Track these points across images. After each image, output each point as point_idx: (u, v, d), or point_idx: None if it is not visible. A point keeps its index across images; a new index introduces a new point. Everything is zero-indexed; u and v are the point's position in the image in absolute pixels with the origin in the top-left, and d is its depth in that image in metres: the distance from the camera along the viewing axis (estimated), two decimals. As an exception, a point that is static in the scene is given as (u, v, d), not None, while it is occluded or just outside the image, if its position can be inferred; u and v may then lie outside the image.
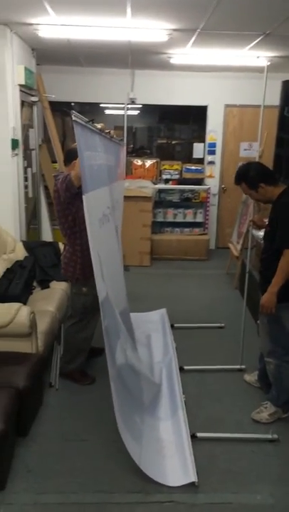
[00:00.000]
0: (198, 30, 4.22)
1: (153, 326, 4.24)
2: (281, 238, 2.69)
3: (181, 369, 3.47)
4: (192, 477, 2.39)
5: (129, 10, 3.59)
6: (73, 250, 3.07)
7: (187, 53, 5.24)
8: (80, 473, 2.45)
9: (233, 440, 2.75)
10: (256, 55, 5.29)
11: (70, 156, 2.99)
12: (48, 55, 5.51)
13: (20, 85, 4.64)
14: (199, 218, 6.80)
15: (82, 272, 3.07)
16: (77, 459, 2.55)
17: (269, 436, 2.75)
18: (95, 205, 2.59)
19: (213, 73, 6.52)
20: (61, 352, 3.48)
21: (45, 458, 2.54)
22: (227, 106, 6.79)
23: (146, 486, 2.36)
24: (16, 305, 3.00)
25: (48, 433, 2.75)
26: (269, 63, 5.56)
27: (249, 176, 2.84)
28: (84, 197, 2.32)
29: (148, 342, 3.92)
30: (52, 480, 2.39)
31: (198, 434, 2.74)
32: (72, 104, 7.06)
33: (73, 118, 2.20)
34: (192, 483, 2.36)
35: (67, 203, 2.91)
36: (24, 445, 2.62)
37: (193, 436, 2.71)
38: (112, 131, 3.34)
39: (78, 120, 2.26)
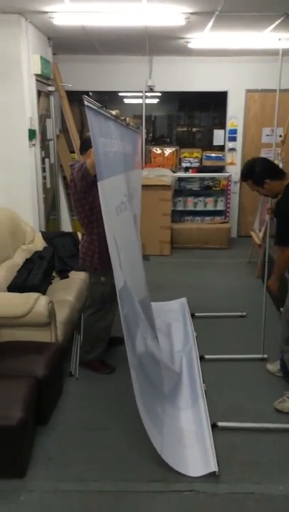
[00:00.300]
0: (217, 12, 4.12)
1: (173, 315, 4.21)
2: (277, 234, 2.71)
3: (201, 358, 3.44)
4: (213, 467, 2.36)
5: (144, -7, 3.53)
6: (91, 240, 3.05)
7: (205, 37, 5.13)
8: (101, 461, 2.44)
9: (254, 430, 2.71)
10: (278, 37, 5.14)
11: (86, 144, 2.95)
12: (64, 44, 5.48)
13: (37, 75, 4.63)
14: (220, 206, 6.70)
15: (100, 261, 3.05)
16: (97, 448, 2.55)
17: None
18: (111, 192, 2.56)
19: (233, 57, 6.37)
20: (81, 341, 3.48)
21: (65, 446, 2.55)
22: (248, 91, 6.64)
23: (167, 475, 2.34)
24: (34, 295, 3.01)
25: (68, 421, 2.75)
26: (290, 45, 5.42)
27: (255, 172, 2.80)
28: (99, 184, 2.29)
29: (168, 331, 3.89)
30: (72, 468, 2.40)
31: (219, 424, 2.71)
32: (90, 93, 7.02)
33: (85, 103, 2.16)
34: (213, 473, 2.33)
35: (84, 192, 2.88)
36: (44, 433, 2.63)
37: (214, 426, 2.68)
38: (128, 119, 3.28)
39: (90, 105, 2.22)
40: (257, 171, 2.80)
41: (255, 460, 2.47)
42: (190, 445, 2.55)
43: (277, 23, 4.45)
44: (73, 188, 2.94)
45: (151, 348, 2.90)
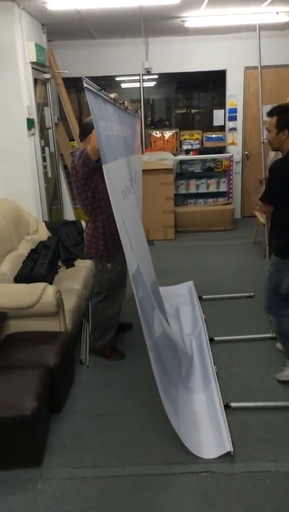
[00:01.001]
0: (212, -12, 4.03)
1: (181, 299, 4.21)
2: (264, 191, 2.80)
3: (211, 340, 3.44)
4: (228, 447, 2.37)
5: (137, -28, 3.44)
6: (95, 227, 3.03)
7: (202, 15, 5.03)
8: (116, 446, 2.46)
9: (267, 409, 2.71)
10: (275, 11, 5.04)
11: (86, 130, 2.92)
12: (58, 30, 5.38)
13: (32, 63, 4.56)
14: (223, 188, 6.65)
15: (105, 248, 3.03)
16: (111, 433, 2.56)
17: None
18: (116, 176, 2.53)
19: (230, 35, 6.25)
20: (90, 329, 3.48)
21: (80, 433, 2.56)
22: (247, 68, 6.52)
23: (183, 458, 2.35)
24: (41, 285, 3.00)
25: (81, 409, 2.77)
26: (289, 18, 5.31)
27: (285, 116, 2.71)
28: (104, 167, 2.25)
29: (177, 315, 3.89)
30: (88, 454, 2.41)
31: (232, 404, 2.71)
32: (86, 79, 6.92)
33: (84, 85, 2.12)
34: (228, 453, 2.35)
35: (86, 179, 2.85)
36: (59, 422, 2.65)
37: (227, 407, 2.68)
38: (126, 103, 3.23)
39: (90, 87, 2.18)
40: (287, 117, 2.71)
41: (269, 438, 2.47)
42: (204, 428, 2.56)
43: (274, -4, 4.35)
44: (75, 175, 2.90)
45: (168, 331, 2.90)
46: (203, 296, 4.21)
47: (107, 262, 3.09)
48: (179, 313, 3.93)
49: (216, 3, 4.54)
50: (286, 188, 2.64)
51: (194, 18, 5.15)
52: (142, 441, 2.50)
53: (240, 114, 6.73)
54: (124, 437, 2.53)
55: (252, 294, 4.22)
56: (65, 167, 5.91)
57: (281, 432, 2.52)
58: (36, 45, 4.54)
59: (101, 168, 2.32)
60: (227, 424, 2.53)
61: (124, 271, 3.18)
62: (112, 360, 3.26)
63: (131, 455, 2.40)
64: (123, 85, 7.18)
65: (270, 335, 3.43)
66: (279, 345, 3.30)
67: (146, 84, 6.83)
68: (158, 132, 6.81)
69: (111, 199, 2.28)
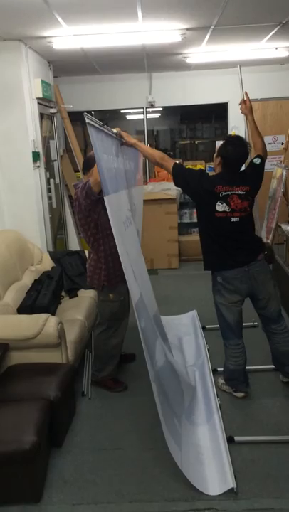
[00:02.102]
0: (212, 27, 4.16)
1: (184, 329, 4.19)
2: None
3: (214, 371, 3.41)
4: (231, 483, 2.32)
5: (139, 13, 3.58)
6: (97, 257, 3.06)
7: (203, 51, 5.18)
8: (117, 482, 2.42)
9: (272, 443, 2.66)
10: (274, 47, 5.18)
11: (88, 163, 2.99)
12: (64, 67, 5.57)
13: (38, 98, 4.70)
14: (226, 217, 6.68)
15: (107, 279, 3.05)
16: (112, 468, 2.52)
17: None
18: (118, 207, 2.58)
19: (232, 69, 6.40)
20: (92, 360, 3.47)
21: (80, 468, 2.53)
22: (248, 101, 6.65)
23: (185, 494, 2.31)
24: (43, 316, 3.01)
25: (82, 443, 2.73)
26: (288, 54, 5.46)
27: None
28: (106, 198, 2.30)
29: (180, 345, 3.87)
30: (88, 490, 2.37)
31: (236, 438, 2.67)
32: (92, 112, 7.11)
33: (86, 120, 2.20)
34: (231, 490, 2.29)
35: (89, 210, 2.90)
36: (59, 456, 2.61)
37: (230, 440, 2.64)
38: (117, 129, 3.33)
39: (92, 123, 2.25)
40: None
41: (273, 474, 2.42)
42: (207, 462, 2.52)
43: (273, 32, 4.48)
44: (77, 207, 2.96)
45: (171, 361, 2.89)
46: (207, 326, 4.19)
47: (109, 292, 3.10)
48: (182, 343, 3.90)
49: (216, 40, 4.69)
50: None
51: (195, 55, 5.31)
52: (143, 476, 2.45)
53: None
54: (125, 472, 2.49)
55: (256, 323, 4.19)
56: (70, 197, 6.00)
57: (285, 468, 2.46)
58: (42, 81, 4.69)
59: (103, 199, 2.38)
60: (230, 459, 2.48)
61: (126, 301, 3.19)
62: (113, 392, 3.23)
63: (132, 491, 2.36)
64: (128, 117, 7.36)
65: (273, 366, 3.39)
66: (282, 377, 3.27)
67: (151, 115, 7.00)
68: (162, 163, 6.92)
69: (113, 229, 2.33)
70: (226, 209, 2.81)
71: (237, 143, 2.85)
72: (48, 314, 3.08)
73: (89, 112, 7.20)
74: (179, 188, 6.24)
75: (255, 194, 2.94)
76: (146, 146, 3.11)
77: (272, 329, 3.10)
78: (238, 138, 2.91)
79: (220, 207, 2.80)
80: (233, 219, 2.83)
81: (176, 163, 2.91)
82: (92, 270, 3.13)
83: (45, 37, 4.19)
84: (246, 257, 2.92)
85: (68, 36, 4.16)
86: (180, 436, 2.61)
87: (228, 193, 2.80)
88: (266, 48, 5.17)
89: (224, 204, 2.80)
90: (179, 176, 2.89)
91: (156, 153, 2.99)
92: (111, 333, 3.20)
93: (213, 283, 3.08)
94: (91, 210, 2.90)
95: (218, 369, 3.42)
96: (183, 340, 3.94)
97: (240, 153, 2.84)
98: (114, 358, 3.26)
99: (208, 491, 2.32)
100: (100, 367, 3.28)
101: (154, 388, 2.39)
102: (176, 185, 2.98)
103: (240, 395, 3.12)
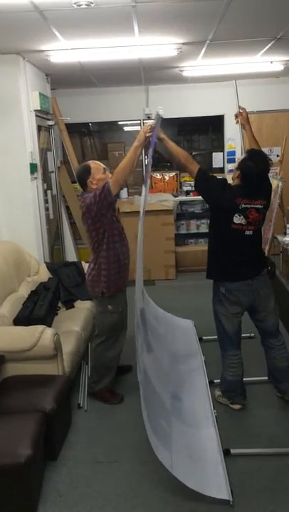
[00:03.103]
0: (208, 41, 4.22)
1: (180, 335, 4.19)
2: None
3: (211, 383, 3.40)
4: (226, 496, 2.31)
5: (136, 28, 3.63)
6: (99, 265, 3.03)
7: (199, 65, 5.25)
8: (112, 495, 2.40)
9: (268, 455, 2.65)
10: (269, 60, 5.25)
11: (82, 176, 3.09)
12: (61, 79, 5.63)
13: (36, 111, 4.74)
14: (223, 227, 6.71)
15: (107, 285, 3.03)
16: (108, 482, 2.51)
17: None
18: (143, 199, 2.82)
19: (227, 82, 6.47)
20: (89, 372, 3.46)
21: (75, 481, 2.51)
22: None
23: (180, 507, 2.30)
24: (39, 327, 3.01)
25: (78, 455, 2.72)
26: (283, 67, 5.54)
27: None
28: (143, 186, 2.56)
29: (175, 351, 3.86)
30: (83, 504, 2.36)
31: (232, 451, 2.66)
32: (90, 124, 7.17)
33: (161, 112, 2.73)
34: (227, 502, 2.28)
35: (101, 214, 2.90)
36: (54, 469, 2.60)
37: (226, 453, 2.63)
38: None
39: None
40: None
41: (269, 486, 2.42)
42: (201, 464, 2.51)
43: (267, 47, 4.55)
44: (87, 213, 2.93)
45: (148, 361, 2.89)
46: (204, 337, 4.19)
47: (108, 303, 3.10)
48: (178, 349, 3.90)
49: (212, 54, 4.75)
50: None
51: (192, 68, 5.37)
52: (138, 489, 2.44)
53: (238, 157, 6.89)
54: (120, 486, 2.47)
55: (252, 334, 4.19)
56: (68, 208, 6.03)
57: (282, 480, 2.46)
58: (40, 94, 4.74)
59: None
60: (226, 471, 2.47)
61: (124, 313, 3.21)
62: (110, 404, 3.22)
63: (128, 505, 2.34)
64: (125, 128, 7.42)
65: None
66: (277, 392, 3.26)
67: (148, 128, 7.05)
68: (159, 174, 6.97)
69: (140, 219, 2.59)
70: (243, 221, 2.81)
71: (258, 159, 2.82)
72: (44, 326, 3.08)
73: (86, 124, 7.24)
74: (176, 199, 6.28)
75: (268, 207, 2.96)
76: (173, 143, 3.06)
77: (270, 343, 3.10)
78: (259, 154, 2.89)
79: (237, 219, 2.80)
80: (247, 232, 2.84)
81: (200, 168, 2.90)
82: (90, 279, 3.11)
83: (42, 50, 4.24)
84: (252, 270, 2.92)
85: (66, 50, 4.21)
86: (170, 438, 2.59)
87: (247, 206, 2.80)
88: (261, 61, 5.24)
89: (242, 217, 2.80)
90: (202, 182, 2.90)
91: (182, 153, 2.96)
92: (109, 345, 3.19)
93: (215, 293, 3.06)
94: (103, 214, 2.90)
95: (215, 380, 3.42)
96: (179, 347, 3.93)
97: (260, 170, 2.81)
98: (112, 370, 3.25)
99: (204, 491, 2.30)
100: (96, 379, 3.27)
101: (141, 389, 2.39)
102: (197, 190, 2.99)
103: (236, 407, 3.11)
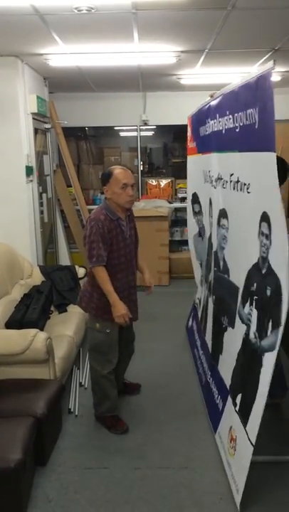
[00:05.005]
0: (206, 50, 4.26)
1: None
2: None
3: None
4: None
5: (136, 35, 3.65)
6: (93, 284, 2.82)
7: (197, 73, 5.28)
8: (102, 502, 2.38)
9: (256, 463, 2.65)
10: (266, 71, 5.29)
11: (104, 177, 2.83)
12: (59, 83, 5.64)
13: (33, 114, 4.74)
14: (217, 235, 6.73)
15: (96, 307, 2.83)
16: (98, 488, 2.48)
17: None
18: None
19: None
20: (80, 378, 3.44)
21: (65, 487, 2.49)
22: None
23: (170, 515, 2.28)
24: (32, 331, 2.99)
25: (68, 461, 2.69)
26: (280, 78, 5.60)
27: None
28: None
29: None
30: (72, 510, 2.33)
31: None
32: (86, 128, 7.18)
33: None
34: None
35: (109, 231, 2.74)
36: (44, 474, 2.57)
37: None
38: None
39: None
40: None
41: (253, 495, 2.41)
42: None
43: (265, 57, 4.59)
44: (95, 226, 2.69)
45: None
46: (196, 344, 4.19)
47: (96, 321, 2.86)
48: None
49: (210, 63, 4.79)
50: None
51: (189, 76, 5.41)
52: (128, 496, 2.42)
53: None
54: (110, 492, 2.45)
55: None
56: (62, 212, 6.02)
57: (272, 489, 2.45)
58: (38, 97, 4.74)
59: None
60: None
61: (113, 338, 2.88)
62: (113, 433, 2.93)
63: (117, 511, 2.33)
64: (122, 134, 7.44)
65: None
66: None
67: (144, 133, 7.08)
68: (154, 180, 6.99)
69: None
70: None
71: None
72: (37, 330, 3.06)
73: (83, 129, 7.25)
74: (172, 205, 6.27)
75: None
76: None
77: None
78: (280, 161, 2.91)
79: None
80: None
81: None
82: (83, 294, 2.94)
83: (41, 54, 4.25)
84: None
85: (65, 54, 4.22)
86: None
87: None
88: (259, 72, 5.28)
89: None
90: None
91: None
92: (98, 362, 2.91)
93: None
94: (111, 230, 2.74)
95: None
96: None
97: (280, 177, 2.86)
98: (107, 391, 2.94)
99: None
100: (96, 401, 3.02)
101: None
102: None
103: None
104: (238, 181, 2.61)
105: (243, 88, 2.50)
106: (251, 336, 2.41)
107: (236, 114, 2.55)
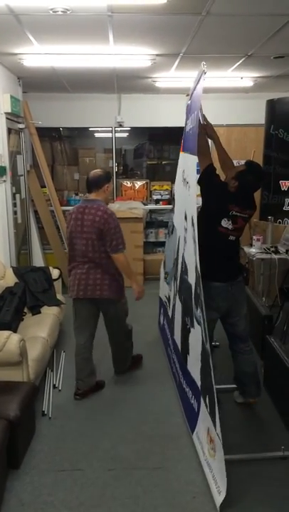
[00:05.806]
0: (181, 54, 4.30)
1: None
2: None
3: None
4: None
5: (111, 37, 3.66)
6: (109, 270, 3.25)
7: (172, 77, 5.33)
8: (75, 504, 2.38)
9: (232, 461, 2.69)
10: (240, 76, 5.39)
11: (99, 181, 3.21)
12: (33, 83, 5.59)
13: (7, 113, 4.69)
14: (191, 237, 6.79)
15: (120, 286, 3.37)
16: (72, 490, 2.48)
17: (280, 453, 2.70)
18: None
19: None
20: (54, 380, 3.43)
21: (38, 490, 2.47)
22: (214, 126, 6.85)
23: (143, 516, 2.30)
24: (5, 333, 2.96)
25: (41, 464, 2.68)
26: (252, 84, 5.71)
27: None
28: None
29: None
30: (46, 513, 2.32)
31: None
32: (61, 129, 7.14)
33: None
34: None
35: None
36: (17, 478, 2.55)
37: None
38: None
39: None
40: None
41: (231, 492, 2.44)
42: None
43: (238, 63, 4.68)
44: (105, 223, 3.13)
45: None
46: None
47: (121, 296, 3.41)
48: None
49: (184, 67, 4.84)
50: None
51: (164, 79, 5.45)
52: (102, 498, 2.43)
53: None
54: (84, 494, 2.45)
55: (217, 343, 4.25)
56: (36, 213, 5.97)
57: (245, 487, 2.49)
58: (11, 96, 4.69)
59: None
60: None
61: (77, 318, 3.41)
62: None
63: (90, 513, 2.33)
64: (96, 135, 7.43)
65: (234, 385, 3.45)
66: (237, 397, 3.33)
67: (119, 134, 7.08)
68: (129, 182, 7.00)
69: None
70: (230, 227, 2.93)
71: (257, 174, 3.03)
72: (10, 332, 3.03)
73: (57, 129, 7.19)
74: (146, 207, 6.30)
75: (251, 218, 3.13)
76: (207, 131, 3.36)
77: (240, 348, 3.17)
78: (257, 168, 3.08)
79: (225, 223, 2.92)
80: (231, 237, 2.97)
81: (212, 163, 3.14)
82: (108, 283, 3.25)
83: (16, 54, 4.21)
84: (230, 274, 3.03)
85: (39, 54, 4.19)
86: None
87: (237, 214, 2.93)
88: (232, 76, 5.38)
89: (230, 222, 2.92)
90: (208, 175, 3.08)
91: (205, 146, 3.23)
92: (126, 325, 3.65)
93: None
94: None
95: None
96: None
97: (258, 184, 3.07)
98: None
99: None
100: (128, 355, 3.68)
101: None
102: (200, 181, 3.08)
103: None
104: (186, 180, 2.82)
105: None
106: (203, 337, 2.51)
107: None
